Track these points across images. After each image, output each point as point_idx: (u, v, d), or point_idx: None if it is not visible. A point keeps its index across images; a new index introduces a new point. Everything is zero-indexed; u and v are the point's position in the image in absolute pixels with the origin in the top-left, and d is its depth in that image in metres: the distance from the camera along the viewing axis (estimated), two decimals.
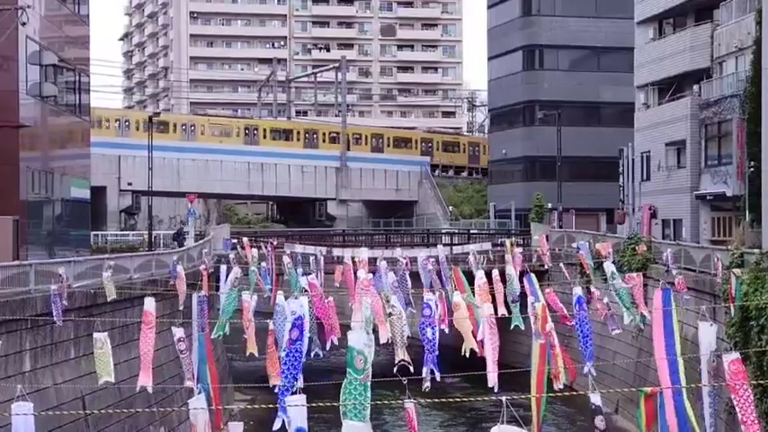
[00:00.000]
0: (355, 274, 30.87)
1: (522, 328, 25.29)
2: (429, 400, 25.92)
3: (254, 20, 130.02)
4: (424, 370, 16.91)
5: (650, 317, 20.68)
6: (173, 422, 27.30)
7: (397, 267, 33.76)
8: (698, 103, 46.96)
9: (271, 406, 14.19)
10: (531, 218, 59.66)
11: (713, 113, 45.52)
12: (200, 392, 14.82)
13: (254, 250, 40.45)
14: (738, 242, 33.19)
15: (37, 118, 34.36)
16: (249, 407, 25.46)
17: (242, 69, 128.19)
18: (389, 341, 20.73)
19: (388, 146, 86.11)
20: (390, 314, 19.42)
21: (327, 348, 24.74)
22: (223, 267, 33.78)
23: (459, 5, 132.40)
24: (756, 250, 26.27)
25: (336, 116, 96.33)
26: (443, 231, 63.31)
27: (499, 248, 45.52)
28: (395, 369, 17.34)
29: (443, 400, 26.97)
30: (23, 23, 29.20)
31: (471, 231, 62.33)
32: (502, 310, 25.51)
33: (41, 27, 34.10)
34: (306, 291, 26.60)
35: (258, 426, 25.14)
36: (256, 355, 23.62)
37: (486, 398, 14.83)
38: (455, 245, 51.19)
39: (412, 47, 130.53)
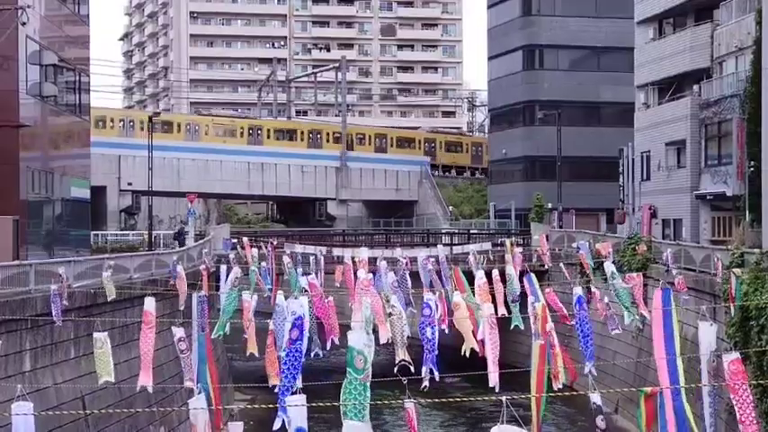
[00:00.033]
0: (355, 274, 30.89)
1: (522, 328, 25.29)
2: (429, 400, 25.93)
3: (254, 20, 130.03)
4: (424, 369, 16.92)
5: (650, 317, 20.67)
6: (173, 422, 27.30)
7: (397, 267, 33.79)
8: (698, 103, 46.96)
9: (271, 406, 14.19)
10: (531, 218, 59.66)
11: (713, 113, 45.53)
12: (200, 392, 14.82)
13: (254, 250, 40.47)
14: (738, 242, 33.20)
15: (37, 118, 34.36)
16: (249, 407, 25.46)
17: (242, 69, 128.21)
18: (389, 341, 20.74)
19: (392, 146, 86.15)
20: (390, 314, 19.42)
21: (327, 348, 24.75)
22: (223, 267, 33.79)
23: (459, 5, 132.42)
24: (756, 250, 26.28)
25: (336, 116, 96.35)
26: (443, 231, 63.31)
27: (499, 248, 45.54)
28: (395, 369, 17.35)
29: (443, 400, 26.95)
30: (23, 23, 29.20)
31: (471, 231, 62.33)
32: (502, 310, 25.51)
33: (41, 27, 34.10)
34: (306, 291, 26.61)
35: (258, 426, 25.16)
36: (256, 354, 23.62)
37: (486, 398, 14.83)
38: (455, 245, 51.19)
39: (412, 47, 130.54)
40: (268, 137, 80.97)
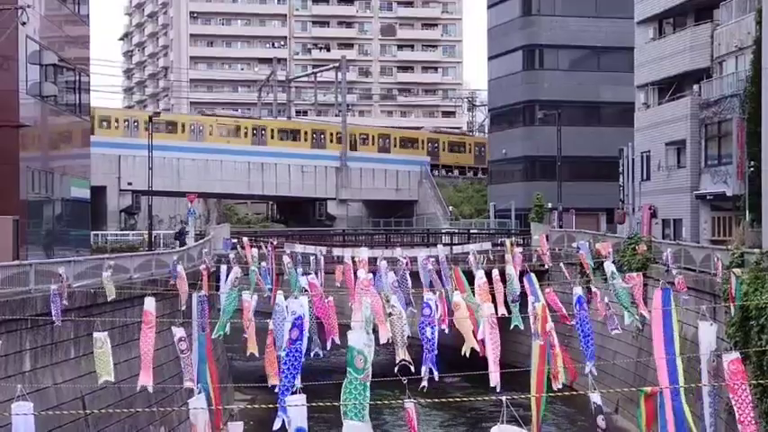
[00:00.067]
0: (355, 273, 30.90)
1: (522, 327, 25.30)
2: (429, 400, 25.94)
3: (254, 20, 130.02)
4: (423, 369, 16.93)
5: (650, 317, 20.68)
6: (173, 422, 27.31)
7: (398, 267, 33.79)
8: (698, 103, 46.96)
9: (271, 406, 14.19)
10: (531, 218, 59.66)
11: (713, 113, 45.53)
12: (200, 392, 14.82)
13: (254, 250, 40.47)
14: (738, 242, 33.20)
15: (37, 118, 34.36)
16: (249, 407, 25.46)
17: (242, 69, 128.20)
18: (389, 341, 20.75)
19: (395, 146, 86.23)
20: (390, 314, 19.43)
21: (327, 348, 24.76)
22: (223, 267, 33.81)
23: (459, 5, 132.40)
24: (756, 250, 26.28)
25: (336, 116, 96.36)
26: (443, 231, 63.31)
27: (499, 248, 45.55)
28: (396, 369, 17.35)
29: (443, 400, 26.96)
30: (23, 23, 29.20)
31: (471, 231, 62.32)
32: (502, 310, 25.51)
33: (41, 27, 34.10)
34: (306, 291, 26.62)
35: (258, 426, 25.17)
36: (257, 354, 23.62)
37: (486, 398, 14.83)
38: (455, 245, 51.20)
39: (412, 47, 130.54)
40: (272, 137, 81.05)
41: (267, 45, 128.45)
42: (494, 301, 24.94)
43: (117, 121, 74.25)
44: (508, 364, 18.93)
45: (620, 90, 62.64)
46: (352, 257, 36.47)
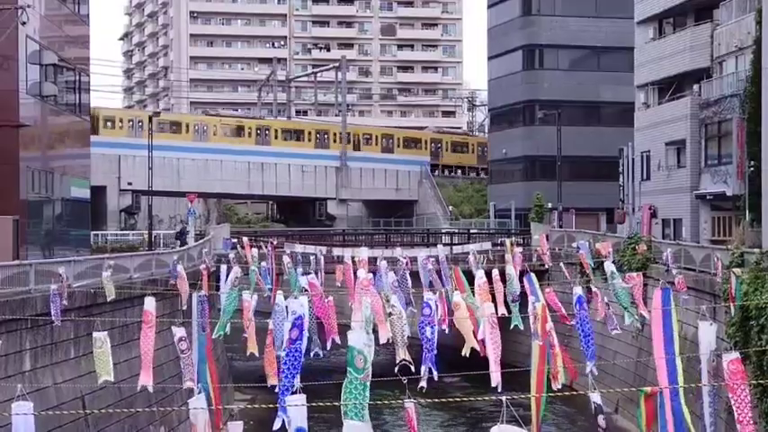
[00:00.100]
0: (355, 273, 30.91)
1: (522, 327, 25.32)
2: (429, 400, 25.93)
3: (254, 19, 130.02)
4: (423, 369, 16.94)
5: (650, 317, 20.69)
6: (173, 422, 27.31)
7: (398, 267, 33.81)
8: (698, 103, 46.95)
9: (271, 406, 14.20)
10: (531, 217, 59.66)
11: (713, 113, 45.52)
12: (200, 392, 14.82)
13: (254, 250, 40.49)
14: (738, 242, 33.19)
15: (37, 117, 34.36)
16: (249, 407, 25.48)
17: (242, 69, 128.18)
18: (390, 341, 20.76)
19: (398, 146, 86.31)
20: (390, 314, 19.44)
21: (327, 348, 24.76)
22: (223, 267, 33.83)
23: (459, 5, 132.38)
24: (756, 250, 26.27)
25: (336, 116, 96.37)
26: (443, 231, 63.32)
27: (499, 248, 45.56)
28: (396, 369, 17.36)
29: (443, 400, 26.95)
30: (23, 23, 29.20)
31: (471, 231, 62.32)
32: (502, 310, 25.53)
33: (41, 26, 34.10)
34: (306, 290, 26.63)
35: (258, 426, 25.16)
36: (257, 354, 23.63)
37: (486, 398, 14.84)
38: (455, 244, 51.21)
39: (412, 46, 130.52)
40: (275, 137, 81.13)
41: (267, 45, 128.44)
42: (494, 300, 24.94)
43: (121, 121, 74.37)
44: (508, 364, 18.94)
45: (620, 90, 62.62)
46: (352, 257, 36.49)
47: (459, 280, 27.98)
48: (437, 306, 19.27)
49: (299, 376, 14.24)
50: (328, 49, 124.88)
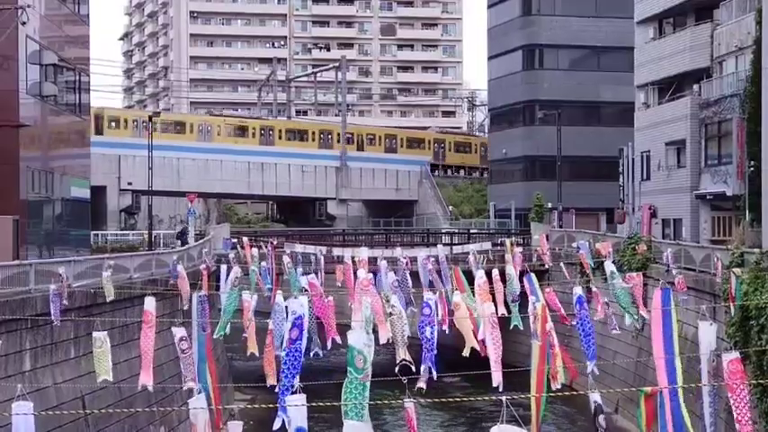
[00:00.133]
0: (355, 273, 30.92)
1: (521, 327, 25.31)
2: (429, 400, 25.93)
3: (254, 19, 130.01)
4: (422, 368, 16.93)
5: (649, 317, 20.69)
6: (173, 422, 27.31)
7: (398, 267, 33.84)
8: (698, 103, 46.95)
9: (271, 406, 14.20)
10: (531, 217, 59.66)
11: (713, 113, 45.52)
12: (200, 392, 14.83)
13: (254, 250, 40.50)
14: (738, 242, 33.19)
15: (37, 117, 34.36)
16: (249, 407, 25.46)
17: (242, 69, 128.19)
18: (390, 341, 20.76)
19: (401, 146, 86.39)
20: (391, 314, 19.43)
21: (328, 348, 24.76)
22: (223, 267, 33.84)
23: (459, 5, 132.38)
24: (756, 250, 26.27)
25: (336, 116, 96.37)
26: (443, 231, 63.32)
27: (499, 248, 45.58)
28: (396, 369, 17.36)
29: (443, 400, 26.97)
30: (23, 23, 29.20)
31: (471, 231, 62.34)
32: (502, 310, 25.52)
33: (41, 26, 34.10)
34: (306, 290, 26.63)
35: (258, 425, 25.15)
36: (257, 354, 23.62)
37: (486, 398, 14.84)
38: (455, 244, 51.22)
39: (412, 46, 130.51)
40: (279, 137, 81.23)
41: (267, 45, 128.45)
42: (494, 300, 24.94)
43: (125, 121, 74.49)
44: (508, 364, 18.93)
45: (620, 90, 62.63)
46: (352, 257, 36.50)
47: (459, 280, 28.00)
48: (437, 306, 19.26)
49: (298, 376, 14.25)
50: (328, 49, 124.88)
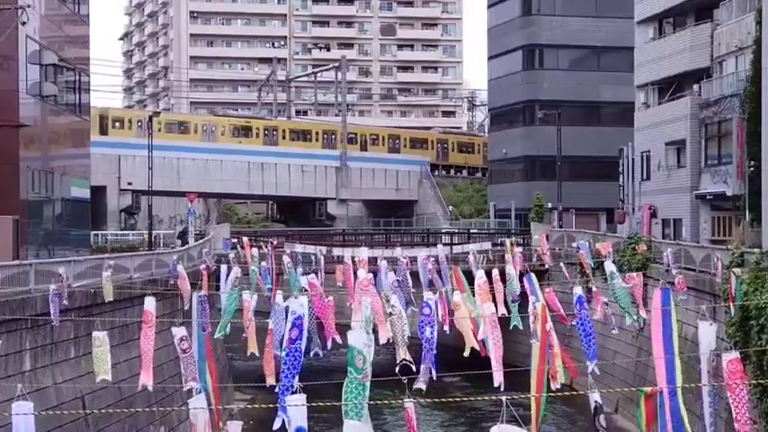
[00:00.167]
0: (355, 273, 30.92)
1: (521, 327, 25.32)
2: (429, 400, 25.94)
3: (254, 19, 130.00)
4: (422, 368, 16.93)
5: (649, 317, 20.70)
6: (173, 422, 27.31)
7: (398, 267, 33.84)
8: (698, 103, 46.95)
9: (271, 406, 14.20)
10: (531, 217, 59.66)
11: (713, 113, 45.52)
12: (199, 392, 14.83)
13: (254, 250, 40.49)
14: (738, 242, 33.18)
15: (37, 117, 34.35)
16: (249, 406, 25.46)
17: (242, 69, 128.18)
18: (390, 341, 20.76)
19: (405, 146, 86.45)
20: (391, 314, 19.44)
21: (328, 348, 24.76)
22: (223, 267, 33.84)
23: (459, 5, 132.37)
24: (756, 250, 26.27)
25: (336, 116, 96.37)
26: (443, 231, 63.30)
27: (499, 248, 45.58)
28: (396, 369, 17.36)
29: (443, 399, 26.97)
30: (23, 23, 29.19)
31: (471, 231, 62.32)
32: (502, 310, 25.54)
33: (41, 26, 34.09)
34: (305, 290, 26.63)
35: (258, 425, 25.15)
36: (257, 354, 23.63)
37: (486, 398, 14.84)
38: (455, 244, 51.21)
39: (412, 46, 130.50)
40: (283, 137, 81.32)
41: (267, 45, 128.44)
42: (494, 300, 24.95)
43: (130, 121, 74.56)
44: (508, 364, 18.94)
45: (620, 90, 62.63)
46: (352, 257, 36.50)
47: (459, 280, 28.00)
48: (437, 306, 19.26)
49: (298, 376, 14.25)
50: (328, 49, 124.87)
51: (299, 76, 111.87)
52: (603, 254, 36.61)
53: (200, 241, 43.07)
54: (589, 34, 68.79)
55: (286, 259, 36.34)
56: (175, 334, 17.76)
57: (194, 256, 37.94)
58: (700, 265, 30.54)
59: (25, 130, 32.19)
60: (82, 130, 40.83)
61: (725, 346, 21.55)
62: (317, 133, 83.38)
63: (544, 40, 70.46)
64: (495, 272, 28.73)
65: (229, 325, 26.71)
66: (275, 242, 42.06)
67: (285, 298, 21.08)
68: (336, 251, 42.62)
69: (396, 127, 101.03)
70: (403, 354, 18.61)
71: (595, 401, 14.85)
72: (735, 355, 13.06)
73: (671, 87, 50.68)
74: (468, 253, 41.32)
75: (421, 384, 16.27)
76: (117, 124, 73.08)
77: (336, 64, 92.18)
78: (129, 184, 70.26)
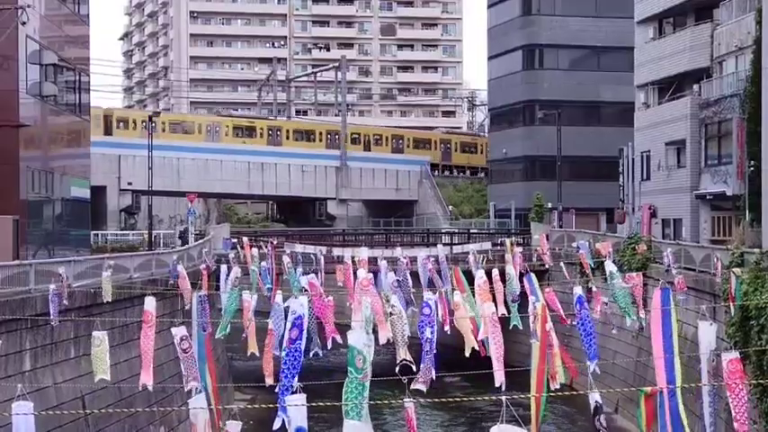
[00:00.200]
0: (355, 273, 30.93)
1: (521, 327, 25.32)
2: (429, 400, 25.94)
3: (254, 19, 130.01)
4: (421, 367, 16.93)
5: (648, 317, 20.70)
6: (173, 422, 27.31)
7: (398, 267, 33.85)
8: (698, 103, 46.95)
9: (271, 406, 14.20)
10: (531, 217, 59.66)
11: (713, 113, 45.52)
12: (199, 391, 14.84)
13: (255, 250, 40.50)
14: (738, 242, 33.19)
15: (37, 117, 34.36)
16: (249, 406, 25.46)
17: (242, 69, 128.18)
18: (390, 341, 20.76)
19: (408, 146, 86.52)
20: (391, 314, 19.44)
21: (328, 348, 24.75)
22: (223, 267, 33.85)
23: (459, 5, 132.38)
24: (756, 250, 26.27)
25: (336, 116, 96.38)
26: (443, 231, 63.31)
27: (499, 248, 45.59)
28: (397, 369, 17.36)
29: (443, 399, 26.96)
30: (23, 23, 29.20)
31: (471, 231, 62.33)
32: (502, 310, 25.53)
33: (41, 26, 34.10)
34: (305, 290, 26.64)
35: (258, 425, 25.15)
36: (257, 354, 23.62)
37: (486, 397, 14.84)
38: (455, 244, 51.21)
39: (412, 46, 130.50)
40: (287, 138, 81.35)
41: (267, 45, 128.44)
42: (494, 300, 24.95)
43: (134, 122, 74.59)
44: (508, 364, 18.93)
45: (620, 90, 62.63)
46: (352, 257, 36.51)
47: (459, 280, 28.00)
48: (437, 306, 19.26)
49: (298, 376, 14.25)
50: (328, 49, 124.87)
51: (299, 76, 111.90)
52: (603, 254, 36.61)
53: (200, 241, 43.07)
54: (589, 34, 68.79)
55: (286, 259, 36.35)
56: (175, 334, 17.76)
57: (194, 256, 37.95)
58: (700, 265, 30.54)
59: (25, 130, 32.20)
60: (82, 130, 40.83)
61: (725, 346, 21.56)
62: (320, 133, 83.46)
63: (544, 40, 70.47)
64: (495, 272, 28.73)
65: (229, 325, 26.70)
66: (275, 242, 42.06)
67: (285, 298, 21.08)
68: (336, 251, 42.62)
69: (399, 127, 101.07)
70: (403, 354, 18.61)
71: (595, 401, 14.84)
72: (735, 354, 13.07)
73: (671, 87, 50.68)
74: (468, 253, 41.32)
75: (420, 385, 16.26)
76: (121, 124, 73.22)
77: (336, 64, 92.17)
78: (129, 183, 70.29)
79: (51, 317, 21.07)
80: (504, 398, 11.50)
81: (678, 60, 49.33)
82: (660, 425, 15.00)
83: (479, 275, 25.00)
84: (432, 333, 16.99)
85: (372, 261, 35.91)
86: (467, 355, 21.03)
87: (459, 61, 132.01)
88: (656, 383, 16.68)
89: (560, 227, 54.01)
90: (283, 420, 13.04)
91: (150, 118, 54.08)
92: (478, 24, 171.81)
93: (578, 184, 63.95)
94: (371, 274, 29.21)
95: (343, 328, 20.43)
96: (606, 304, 26.67)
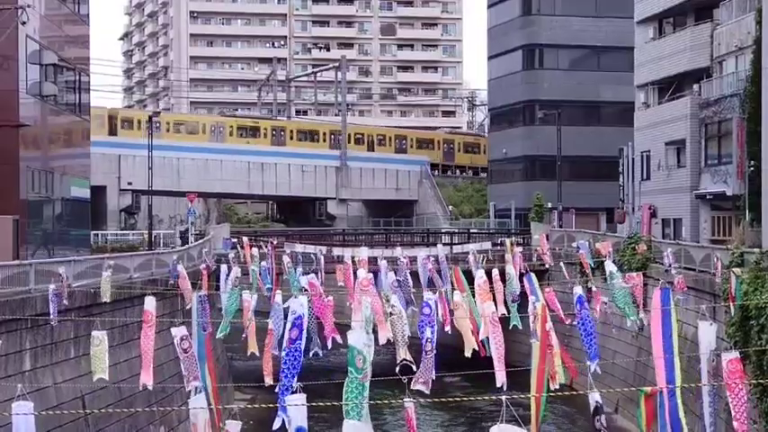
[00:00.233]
0: (355, 273, 30.93)
1: (521, 327, 25.32)
2: (429, 400, 25.95)
3: (254, 19, 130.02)
4: (422, 368, 16.93)
5: (648, 317, 20.70)
6: (172, 421, 27.31)
7: (398, 267, 33.85)
8: (698, 103, 46.95)
9: (271, 405, 14.20)
10: (531, 217, 59.66)
11: (713, 113, 45.52)
12: (199, 391, 14.84)
13: (255, 250, 40.50)
14: (738, 241, 33.19)
15: (37, 117, 34.36)
16: (249, 406, 25.47)
17: (242, 69, 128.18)
18: (390, 341, 20.77)
19: (411, 147, 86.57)
20: (391, 314, 19.45)
21: (328, 348, 24.75)
22: (223, 267, 33.84)
23: (459, 5, 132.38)
24: (756, 249, 26.27)
25: (336, 116, 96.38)
26: (443, 231, 63.31)
27: (499, 248, 45.59)
28: (396, 369, 17.36)
29: (443, 399, 26.96)
30: (23, 23, 29.20)
31: (471, 231, 62.33)
32: (502, 310, 25.54)
33: (41, 26, 34.10)
34: (305, 290, 26.65)
35: (258, 425, 25.16)
36: (257, 354, 23.62)
37: (486, 397, 14.84)
38: (455, 244, 51.21)
39: (412, 46, 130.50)
40: (291, 138, 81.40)
41: (267, 45, 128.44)
42: (494, 300, 24.96)
43: (139, 122, 74.64)
44: (508, 364, 18.93)
45: (620, 90, 62.63)
46: (352, 257, 36.51)
47: (459, 280, 28.01)
48: (437, 306, 19.27)
49: (298, 376, 14.25)
50: (328, 49, 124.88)
51: (299, 76, 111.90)
52: (603, 254, 36.62)
53: (200, 241, 43.07)
54: (589, 34, 68.79)
55: (286, 259, 36.35)
56: (175, 334, 17.76)
57: (194, 256, 37.95)
58: (700, 265, 30.54)
59: (25, 130, 32.20)
60: (82, 130, 40.84)
61: (725, 346, 21.56)
62: (324, 134, 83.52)
63: (544, 39, 70.46)
64: (495, 272, 28.74)
65: (229, 325, 26.71)
66: (275, 242, 42.06)
67: (285, 298, 21.10)
68: (336, 251, 42.62)
69: (401, 127, 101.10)
70: (403, 354, 18.61)
71: (595, 401, 14.84)
72: (735, 354, 13.07)
73: (671, 87, 50.68)
74: (468, 253, 41.32)
75: (421, 386, 16.26)
76: (126, 124, 73.30)
77: (336, 64, 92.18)
78: (129, 183, 70.30)
79: (51, 317, 21.07)
80: (503, 398, 11.50)
81: (678, 60, 49.33)
82: (660, 425, 15.00)
83: (479, 275, 25.02)
84: (432, 333, 16.99)
85: (372, 261, 35.90)
86: (467, 355, 21.02)
87: (459, 61, 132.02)
88: (656, 383, 16.68)
89: (560, 227, 54.02)
90: (283, 420, 13.04)
91: (150, 118, 54.07)
92: (478, 24, 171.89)
93: (578, 184, 63.96)
94: (371, 274, 29.22)
95: (343, 328, 20.43)
96: (606, 304, 26.66)
